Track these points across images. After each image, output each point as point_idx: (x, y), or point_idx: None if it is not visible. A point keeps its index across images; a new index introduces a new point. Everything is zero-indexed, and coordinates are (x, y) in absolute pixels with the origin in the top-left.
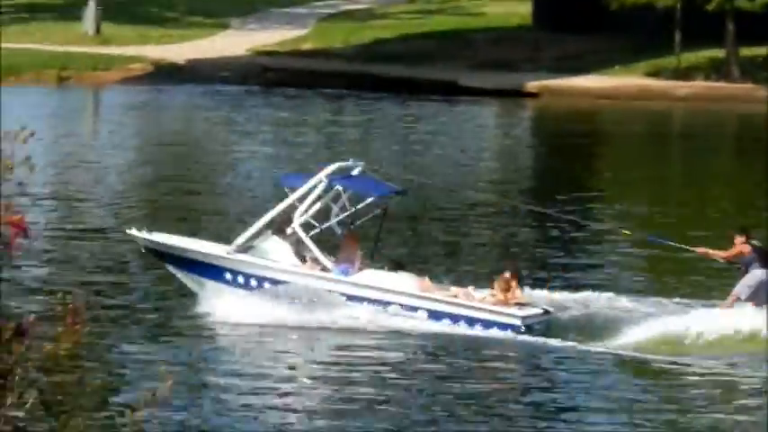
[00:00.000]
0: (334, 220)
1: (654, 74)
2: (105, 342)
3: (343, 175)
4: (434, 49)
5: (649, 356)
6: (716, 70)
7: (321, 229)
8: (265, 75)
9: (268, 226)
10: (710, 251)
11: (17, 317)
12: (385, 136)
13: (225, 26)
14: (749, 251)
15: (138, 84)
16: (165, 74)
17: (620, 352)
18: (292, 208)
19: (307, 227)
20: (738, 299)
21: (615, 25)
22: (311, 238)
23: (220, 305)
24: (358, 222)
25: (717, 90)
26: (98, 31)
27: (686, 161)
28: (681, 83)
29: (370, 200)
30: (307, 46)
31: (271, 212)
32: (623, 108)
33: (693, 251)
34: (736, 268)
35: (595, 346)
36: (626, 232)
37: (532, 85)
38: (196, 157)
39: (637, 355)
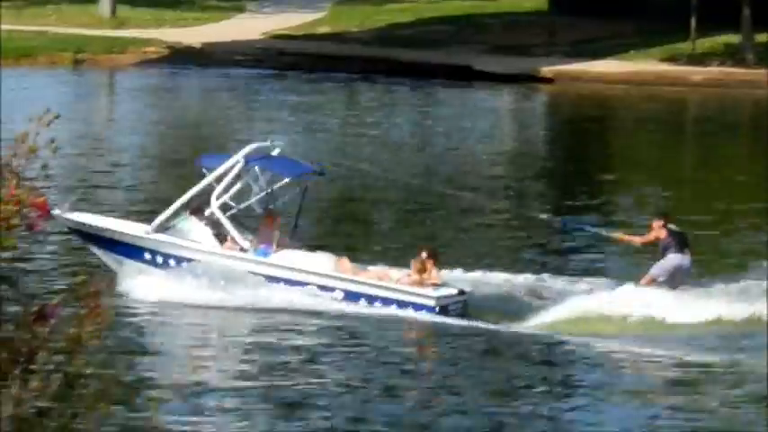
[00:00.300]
0: (252, 200)
1: (669, 59)
2: None
3: (260, 155)
4: (450, 33)
5: (564, 336)
6: (731, 56)
7: (238, 210)
8: (280, 58)
9: (186, 206)
10: (626, 236)
11: (40, 300)
12: (396, 120)
13: (240, 9)
14: (666, 235)
15: (152, 67)
16: (181, 57)
17: (534, 331)
18: (210, 188)
19: (224, 207)
20: (654, 281)
21: (631, 10)
22: (229, 217)
23: (138, 285)
24: (278, 202)
25: (732, 76)
26: (114, 13)
27: (700, 147)
28: (696, 68)
29: (287, 180)
30: (322, 30)
31: (188, 193)
32: (638, 94)
33: (609, 236)
34: (660, 253)
35: (511, 326)
36: (542, 217)
37: (547, 70)
38: (206, 141)
39: (551, 334)
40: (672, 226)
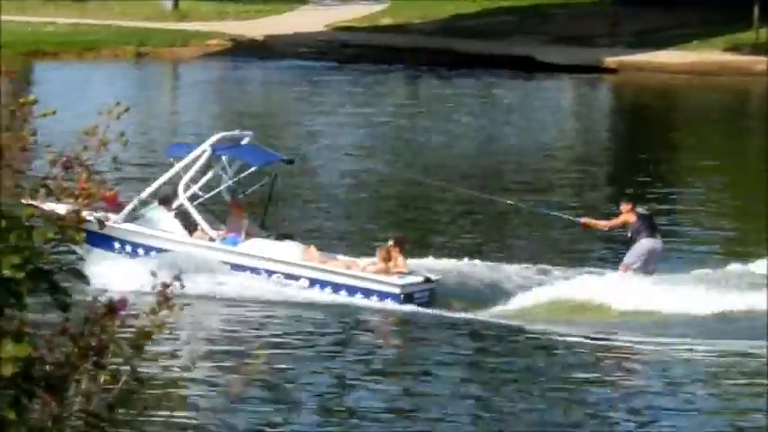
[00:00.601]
0: (220, 189)
1: (732, 49)
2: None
3: (228, 144)
4: (514, 23)
5: (534, 325)
6: None
7: (205, 199)
8: (344, 50)
9: (154, 195)
10: (593, 221)
11: (109, 293)
12: (458, 111)
13: (303, 1)
14: (635, 220)
15: (215, 60)
16: (243, 50)
17: (503, 320)
18: (178, 178)
19: (193, 197)
20: (630, 268)
21: None
22: (196, 207)
23: (106, 274)
24: (249, 191)
25: None
26: (176, 6)
27: (762, 137)
28: (759, 58)
29: (254, 168)
30: (385, 21)
31: (157, 182)
32: (701, 84)
33: (576, 221)
34: (629, 238)
35: (479, 315)
36: (509, 202)
37: (610, 60)
38: (267, 135)
39: (521, 323)
40: (640, 209)
